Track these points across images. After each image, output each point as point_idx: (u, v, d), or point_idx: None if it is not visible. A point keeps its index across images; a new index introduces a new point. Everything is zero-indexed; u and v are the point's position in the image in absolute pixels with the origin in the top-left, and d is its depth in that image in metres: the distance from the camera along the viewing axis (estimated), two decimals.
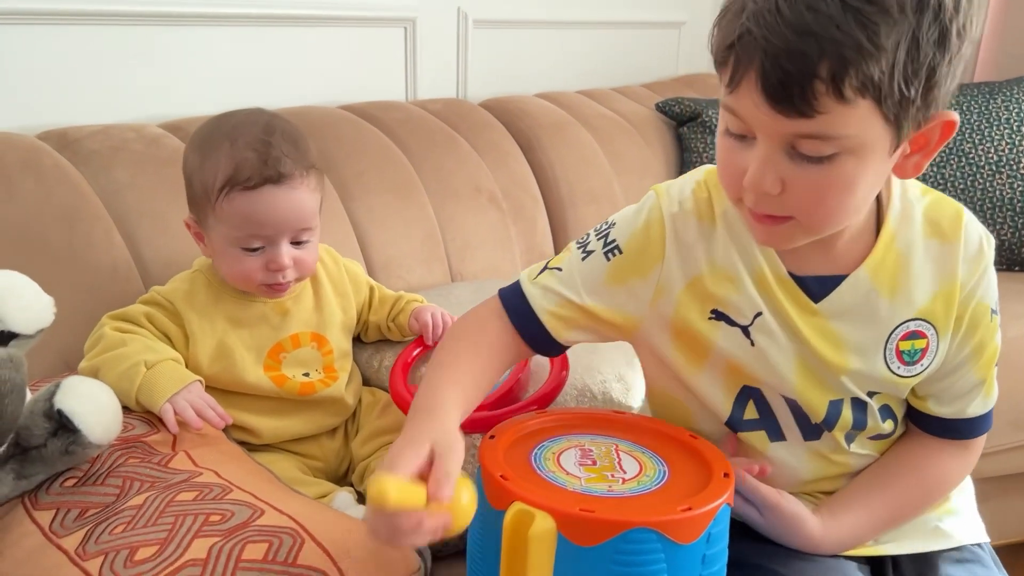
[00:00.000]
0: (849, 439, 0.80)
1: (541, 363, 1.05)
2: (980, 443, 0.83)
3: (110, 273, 1.04)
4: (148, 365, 0.89)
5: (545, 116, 1.75)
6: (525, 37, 1.95)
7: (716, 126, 2.04)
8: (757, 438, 0.81)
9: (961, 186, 1.83)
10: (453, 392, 0.73)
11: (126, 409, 0.87)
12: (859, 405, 0.78)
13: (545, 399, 0.97)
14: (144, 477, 0.76)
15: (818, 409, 0.77)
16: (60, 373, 0.94)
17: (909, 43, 0.58)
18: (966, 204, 0.75)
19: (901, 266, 0.74)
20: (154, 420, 0.87)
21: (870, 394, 0.78)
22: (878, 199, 0.74)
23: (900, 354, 0.75)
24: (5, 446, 0.73)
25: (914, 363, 0.76)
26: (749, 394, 0.79)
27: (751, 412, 0.80)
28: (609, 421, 0.84)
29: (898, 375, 0.76)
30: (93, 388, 0.76)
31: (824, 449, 0.80)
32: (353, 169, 1.36)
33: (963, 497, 0.86)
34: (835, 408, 0.78)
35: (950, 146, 1.86)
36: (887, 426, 0.80)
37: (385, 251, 1.34)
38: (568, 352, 1.06)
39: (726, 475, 0.73)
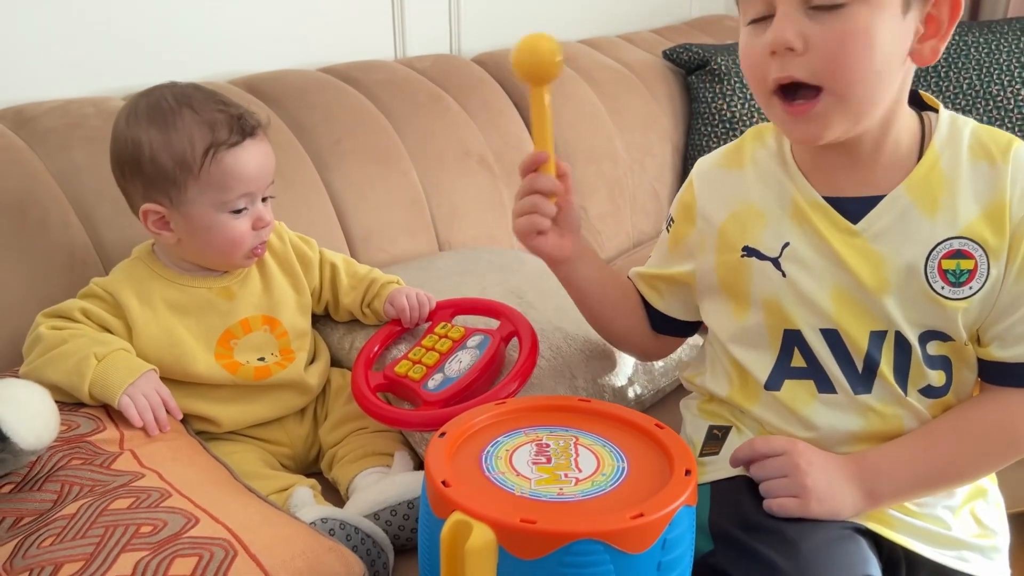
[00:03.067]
0: (901, 384, 0.77)
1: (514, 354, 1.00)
2: None
3: (66, 258, 1.00)
4: (99, 357, 0.86)
5: None
6: None
7: (726, 74, 1.96)
8: (805, 388, 0.79)
9: None
10: None
11: (71, 406, 0.85)
12: (902, 344, 0.76)
13: (511, 390, 0.92)
14: (84, 480, 0.74)
15: (858, 340, 0.76)
16: (13, 367, 0.92)
17: None
18: None
19: (944, 185, 0.74)
20: (101, 416, 0.85)
21: (923, 336, 0.75)
22: (923, 124, 0.76)
23: (944, 273, 0.74)
24: None
25: (960, 284, 0.73)
26: (793, 340, 0.79)
27: (798, 360, 0.79)
28: (572, 410, 0.79)
29: (942, 295, 0.73)
30: (23, 392, 0.73)
31: (876, 403, 0.77)
32: (329, 136, 1.30)
33: (1001, 538, 0.81)
34: (877, 341, 0.76)
35: (976, 89, 1.75)
36: (936, 377, 0.76)
37: (365, 222, 1.29)
38: (541, 330, 1.02)
39: (688, 472, 0.68)
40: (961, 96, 1.76)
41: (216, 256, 0.95)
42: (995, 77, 1.74)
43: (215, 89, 0.96)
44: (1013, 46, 1.76)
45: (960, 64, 1.78)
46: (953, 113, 0.78)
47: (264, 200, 0.95)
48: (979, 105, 1.75)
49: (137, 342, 0.91)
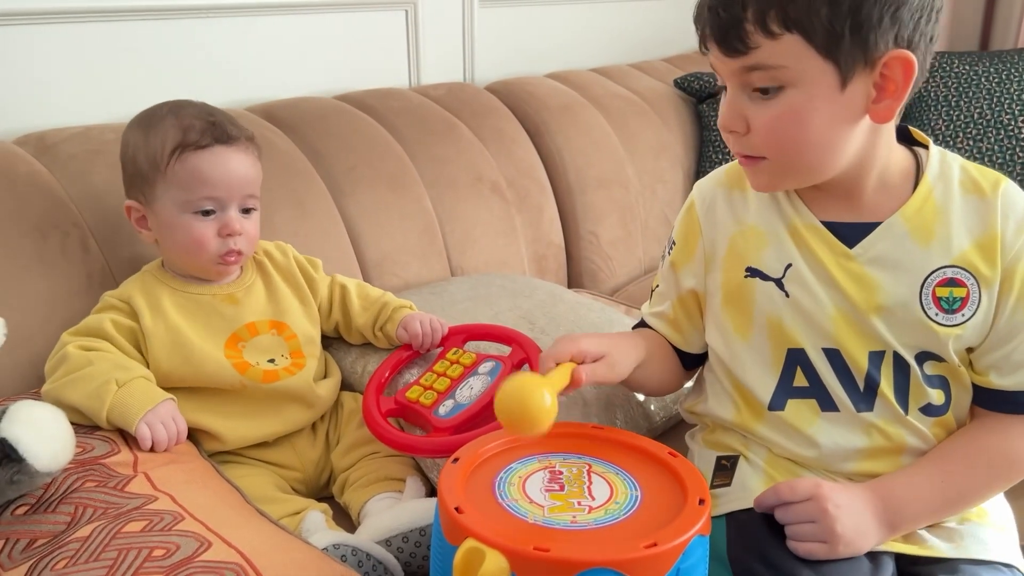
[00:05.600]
0: (902, 403, 0.78)
1: None
2: None
3: (85, 282, 1.02)
4: (119, 383, 0.87)
5: (554, 98, 1.69)
6: (535, 14, 1.88)
7: None
8: (808, 407, 0.80)
9: (999, 160, 1.72)
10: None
11: (87, 428, 0.85)
12: (901, 364, 0.77)
13: None
14: (98, 503, 0.74)
15: (859, 360, 0.78)
16: (32, 388, 0.93)
17: None
18: None
19: (938, 216, 0.76)
20: (115, 439, 0.85)
21: (919, 356, 0.77)
22: (917, 159, 0.79)
23: (938, 300, 0.76)
24: None
25: (953, 312, 0.76)
26: (795, 359, 0.80)
27: (800, 379, 0.81)
28: (585, 437, 0.79)
29: (936, 322, 0.76)
30: (40, 414, 0.73)
31: (878, 420, 0.78)
32: (344, 163, 1.31)
33: (1004, 515, 0.84)
34: (876, 361, 0.77)
35: (988, 118, 1.75)
36: (936, 396, 0.78)
37: (379, 247, 1.30)
38: None
39: (702, 501, 0.68)
40: (972, 125, 1.76)
41: (184, 257, 0.97)
42: (1006, 106, 1.75)
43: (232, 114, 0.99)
44: None
45: (971, 94, 1.78)
46: (942, 149, 0.80)
47: (247, 212, 0.98)
48: (990, 134, 1.75)
49: (151, 347, 0.93)
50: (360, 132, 1.37)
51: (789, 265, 0.80)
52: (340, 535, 0.82)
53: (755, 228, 0.82)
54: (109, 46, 1.25)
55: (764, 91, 0.72)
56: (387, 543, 0.84)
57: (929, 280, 0.76)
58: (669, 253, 0.90)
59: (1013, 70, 1.77)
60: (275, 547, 0.70)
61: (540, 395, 0.68)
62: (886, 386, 0.78)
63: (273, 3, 1.42)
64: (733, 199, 0.85)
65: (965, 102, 1.78)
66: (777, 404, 0.81)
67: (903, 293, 0.76)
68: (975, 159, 1.74)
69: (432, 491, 0.97)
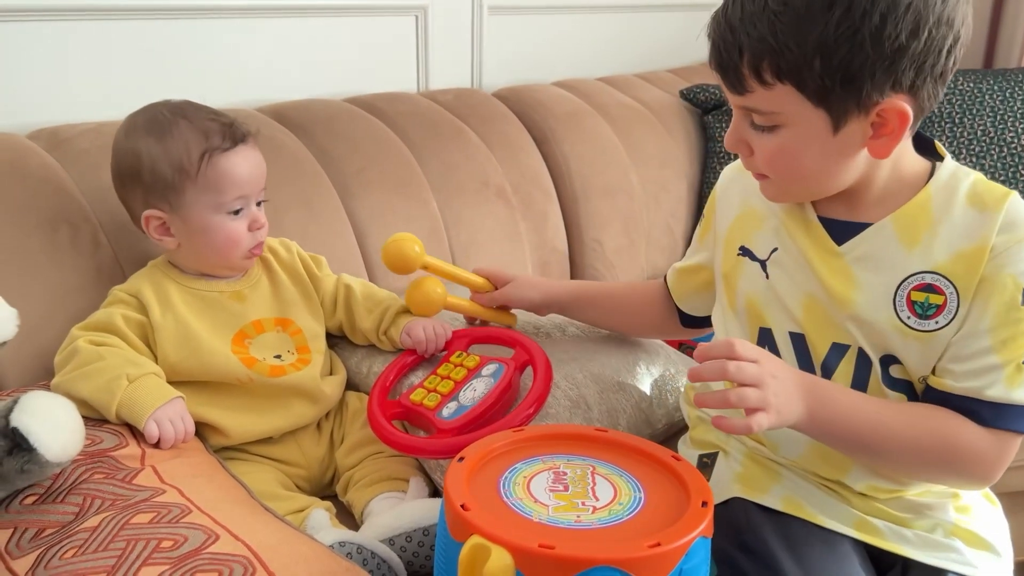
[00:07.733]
0: None
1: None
2: (1011, 442, 0.76)
3: (94, 276, 1.02)
4: (130, 379, 0.88)
5: (560, 106, 1.70)
6: (543, 23, 1.90)
7: None
8: None
9: (1002, 177, 1.73)
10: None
11: (95, 421, 0.86)
12: (864, 361, 0.80)
13: (526, 416, 0.93)
14: (106, 495, 0.75)
15: (819, 348, 0.81)
16: (39, 380, 0.94)
17: (818, 41, 0.69)
18: None
19: (929, 224, 0.78)
20: (123, 432, 0.86)
21: (884, 359, 0.79)
22: (933, 169, 0.80)
23: (912, 304, 0.77)
24: None
25: (927, 317, 0.77)
26: (764, 340, 0.85)
27: None
28: (589, 440, 0.79)
29: (908, 325, 0.77)
30: (51, 405, 0.74)
31: None
32: (353, 165, 1.32)
33: (1001, 537, 0.84)
34: (836, 353, 0.80)
35: (991, 135, 1.76)
36: (896, 398, 0.79)
37: None
38: (557, 361, 1.03)
39: (704, 504, 0.69)
40: (975, 142, 1.77)
41: (215, 257, 0.99)
42: (1009, 124, 1.76)
43: (236, 113, 1.01)
44: None
45: (975, 111, 1.80)
46: (959, 165, 0.81)
47: (259, 204, 1.00)
48: (992, 152, 1.76)
49: (158, 338, 0.94)
50: (369, 135, 1.38)
51: (775, 249, 0.84)
52: (345, 533, 0.82)
53: (756, 211, 0.87)
54: (123, 44, 1.27)
55: (760, 127, 0.76)
56: (390, 542, 0.85)
57: (905, 283, 0.78)
58: (699, 221, 0.98)
59: (1017, 89, 1.78)
60: (282, 541, 0.70)
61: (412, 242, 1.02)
62: (842, 378, 0.80)
63: (288, 5, 1.43)
64: (747, 181, 0.87)
65: (969, 119, 1.80)
66: None
67: (879, 293, 0.78)
68: None
69: (435, 492, 0.98)
